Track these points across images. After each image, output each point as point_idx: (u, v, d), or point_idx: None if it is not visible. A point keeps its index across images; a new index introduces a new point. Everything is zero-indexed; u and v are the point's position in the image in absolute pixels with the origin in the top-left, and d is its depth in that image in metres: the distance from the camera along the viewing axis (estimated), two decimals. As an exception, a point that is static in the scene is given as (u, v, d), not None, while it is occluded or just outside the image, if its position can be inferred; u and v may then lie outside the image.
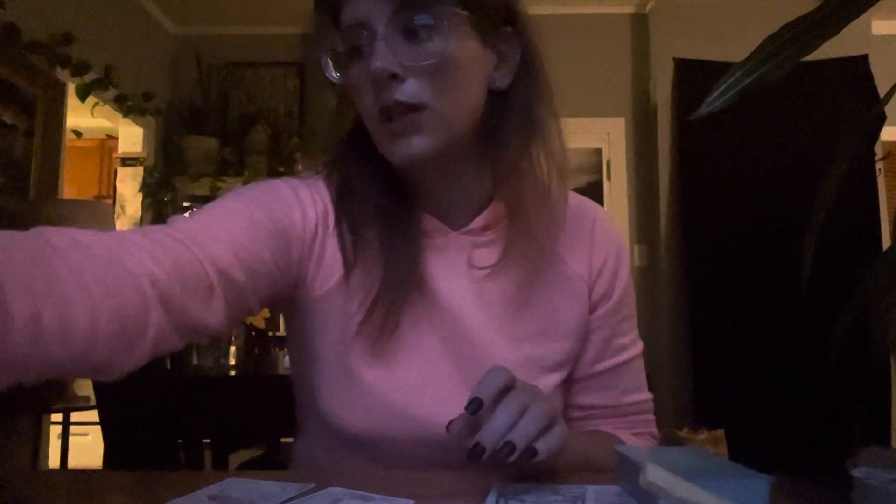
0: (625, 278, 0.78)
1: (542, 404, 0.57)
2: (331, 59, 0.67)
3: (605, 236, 0.78)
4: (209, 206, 0.66)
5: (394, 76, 0.63)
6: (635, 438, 0.78)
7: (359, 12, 0.63)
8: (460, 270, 0.72)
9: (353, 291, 0.70)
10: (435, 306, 0.71)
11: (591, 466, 0.67)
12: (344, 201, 0.72)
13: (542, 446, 0.55)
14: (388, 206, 0.70)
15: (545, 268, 0.73)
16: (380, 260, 0.69)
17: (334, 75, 0.66)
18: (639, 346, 0.81)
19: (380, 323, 0.68)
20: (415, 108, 0.64)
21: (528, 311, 0.73)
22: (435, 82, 0.64)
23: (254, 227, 0.64)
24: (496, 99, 0.70)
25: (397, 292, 0.68)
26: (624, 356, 0.78)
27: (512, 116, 0.70)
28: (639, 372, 0.80)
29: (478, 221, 0.73)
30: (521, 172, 0.69)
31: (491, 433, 0.54)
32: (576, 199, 0.78)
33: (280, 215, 0.68)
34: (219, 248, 0.59)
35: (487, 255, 0.72)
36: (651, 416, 0.82)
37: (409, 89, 0.63)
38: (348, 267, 0.70)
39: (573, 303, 0.74)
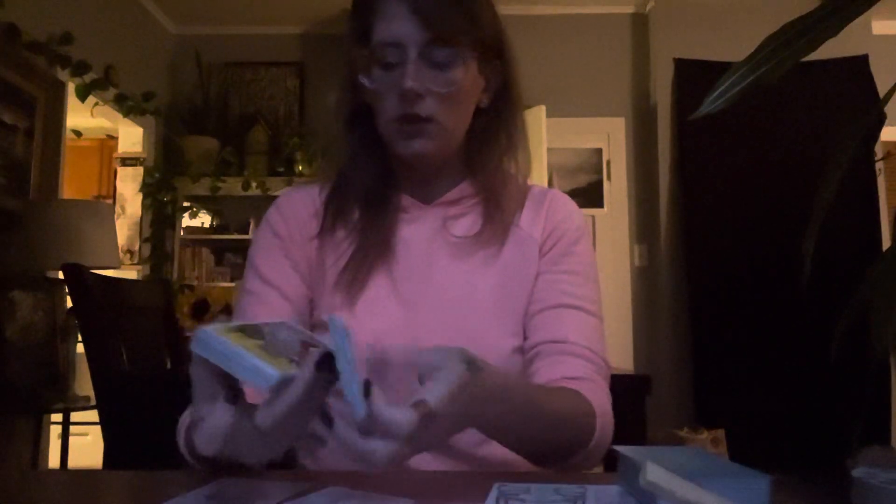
0: (574, 239, 0.86)
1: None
2: (360, 63, 0.78)
3: (557, 207, 0.88)
4: (242, 301, 0.82)
5: (419, 94, 0.75)
6: (577, 383, 0.75)
7: (394, 33, 0.75)
8: (433, 236, 0.84)
9: (328, 253, 0.84)
10: (408, 268, 0.82)
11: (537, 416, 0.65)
12: (336, 189, 0.86)
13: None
14: (372, 187, 0.84)
15: (509, 233, 0.85)
16: (358, 229, 0.83)
17: (366, 82, 0.77)
18: (592, 307, 0.83)
19: (349, 279, 0.80)
20: (426, 119, 0.77)
21: (491, 269, 0.83)
22: (446, 103, 0.77)
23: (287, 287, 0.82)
24: (477, 113, 0.84)
25: (365, 256, 0.81)
26: (571, 300, 0.81)
27: (491, 129, 0.86)
28: (592, 330, 0.81)
29: (448, 196, 0.85)
30: (494, 169, 0.85)
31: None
32: (540, 187, 0.92)
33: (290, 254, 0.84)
34: None
35: (457, 225, 0.85)
36: (599, 378, 0.78)
37: (427, 106, 0.76)
38: (324, 231, 0.84)
39: (528, 260, 0.85)
